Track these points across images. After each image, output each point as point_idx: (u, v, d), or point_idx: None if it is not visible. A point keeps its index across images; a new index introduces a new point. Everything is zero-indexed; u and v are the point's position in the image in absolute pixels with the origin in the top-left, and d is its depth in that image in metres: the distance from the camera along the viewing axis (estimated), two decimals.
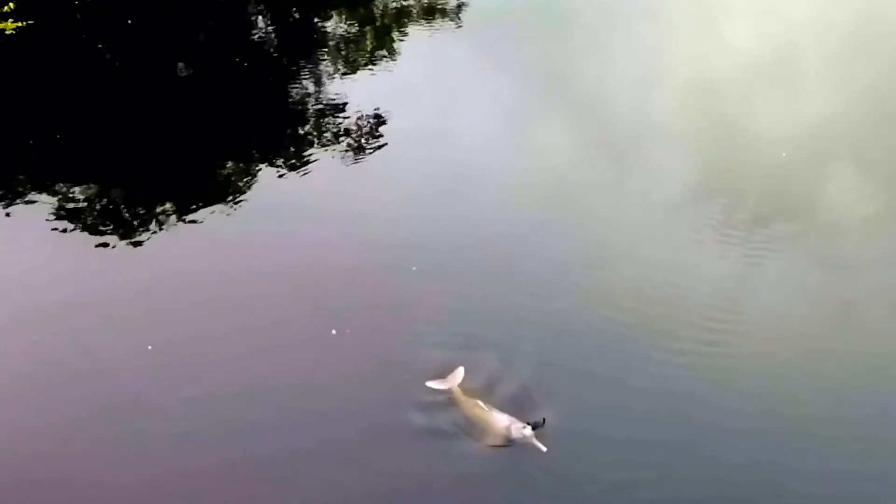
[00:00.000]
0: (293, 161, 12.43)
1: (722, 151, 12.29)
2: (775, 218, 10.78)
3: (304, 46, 16.02)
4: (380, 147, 12.70)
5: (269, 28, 16.89)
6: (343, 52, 15.79)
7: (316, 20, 16.96)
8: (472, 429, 8.35)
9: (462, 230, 10.82)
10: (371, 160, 12.45)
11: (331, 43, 16.00)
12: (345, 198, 11.47)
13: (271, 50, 16.23)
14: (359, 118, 13.40)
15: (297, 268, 10.23)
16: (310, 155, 12.55)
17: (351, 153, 12.60)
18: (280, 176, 12.14)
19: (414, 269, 10.20)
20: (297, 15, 17.55)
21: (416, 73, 14.70)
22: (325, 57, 15.54)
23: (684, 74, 14.31)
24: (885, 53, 14.50)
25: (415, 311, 9.56)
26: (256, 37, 16.51)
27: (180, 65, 15.44)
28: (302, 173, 12.12)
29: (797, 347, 9.14)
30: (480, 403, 8.46)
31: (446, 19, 16.57)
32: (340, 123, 13.32)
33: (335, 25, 16.71)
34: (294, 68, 15.31)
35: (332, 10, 17.18)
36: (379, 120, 13.33)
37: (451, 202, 11.33)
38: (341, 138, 12.96)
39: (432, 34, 16.04)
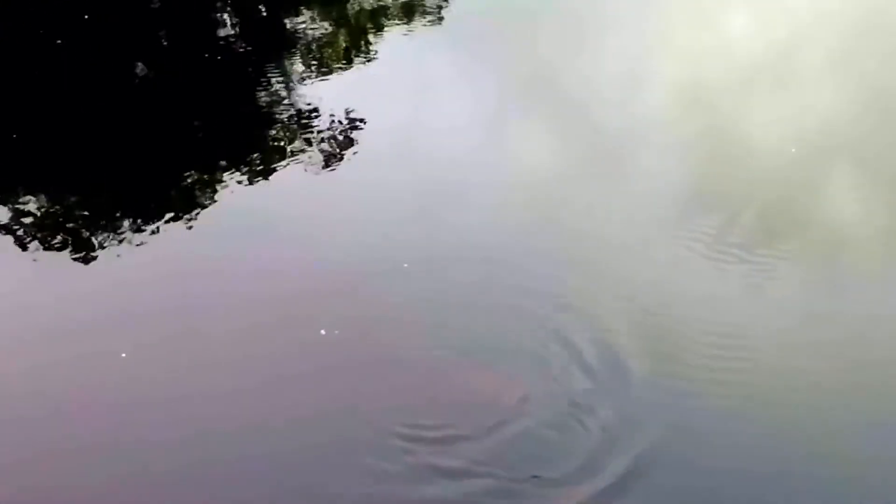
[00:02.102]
0: (260, 173, 11.76)
1: (722, 158, 11.64)
2: (783, 234, 10.07)
3: (273, 47, 15.53)
4: (355, 157, 12.07)
5: (236, 26, 16.45)
6: (316, 54, 15.29)
7: (286, 19, 16.52)
8: None
9: (448, 248, 10.11)
10: (347, 171, 11.80)
11: (302, 43, 15.51)
12: (318, 216, 10.79)
13: (238, 50, 15.75)
14: (332, 126, 12.79)
15: (267, 294, 9.44)
16: (278, 167, 11.85)
17: (324, 164, 11.94)
18: (246, 190, 11.44)
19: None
20: (264, 13, 17.20)
21: (394, 77, 14.20)
22: (296, 58, 15.06)
23: (680, 74, 13.84)
24: None
25: (400, 342, 8.79)
26: (221, 36, 16.07)
27: (139, 65, 15.02)
28: (270, 188, 11.44)
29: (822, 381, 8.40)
30: None
31: (426, 19, 16.12)
32: (312, 132, 12.70)
33: (307, 25, 16.25)
34: (263, 70, 14.69)
35: (304, 7, 16.77)
36: (354, 127, 12.74)
37: (435, 219, 10.62)
38: (313, 148, 12.30)
39: (411, 35, 15.60)
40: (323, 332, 8.86)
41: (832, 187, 10.94)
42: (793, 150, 11.62)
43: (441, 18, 16.15)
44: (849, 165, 11.37)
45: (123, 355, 8.78)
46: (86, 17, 15.73)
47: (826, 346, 8.60)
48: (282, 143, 12.62)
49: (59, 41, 15.34)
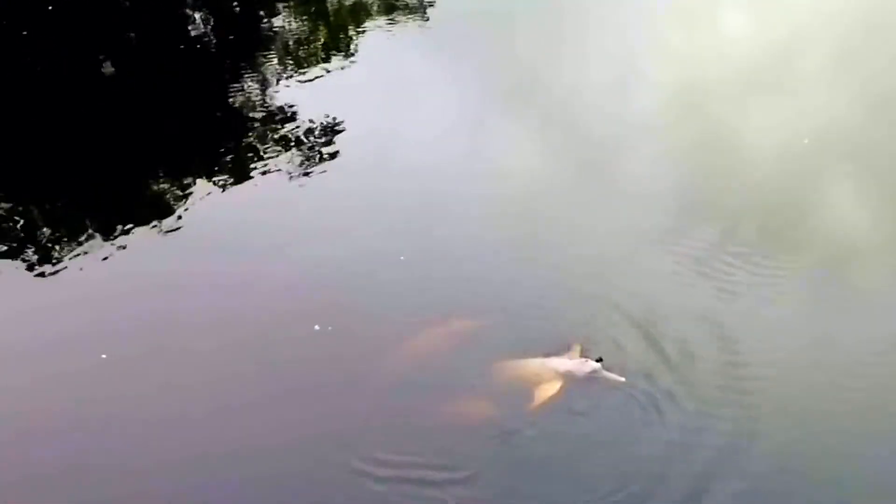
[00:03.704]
0: (232, 183, 11.55)
1: (722, 164, 11.43)
2: (785, 245, 9.84)
3: (248, 46, 15.22)
4: (334, 164, 11.85)
5: (209, 23, 16.16)
6: (293, 54, 15.06)
7: (262, 14, 16.22)
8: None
9: (435, 262, 9.94)
10: (324, 179, 11.57)
11: (279, 42, 15.24)
12: (295, 229, 10.58)
13: (211, 48, 15.47)
14: (310, 131, 12.58)
15: (242, 312, 9.26)
16: (254, 174, 11.65)
17: (300, 172, 11.73)
18: (218, 201, 11.23)
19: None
20: (238, 9, 16.85)
21: (376, 80, 13.94)
22: (273, 59, 14.78)
23: (675, 77, 13.60)
24: None
25: (381, 359, 8.64)
26: (193, 33, 15.79)
27: (106, 62, 14.85)
28: (244, 198, 11.24)
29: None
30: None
31: (409, 18, 15.87)
32: (289, 138, 12.48)
33: (283, 22, 15.98)
34: (237, 71, 14.43)
35: (281, 3, 16.51)
36: (333, 133, 12.54)
37: (419, 230, 10.45)
38: (289, 155, 12.11)
39: (393, 35, 15.30)
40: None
41: (833, 195, 10.76)
42: (805, 140, 11.53)
43: (426, 18, 15.96)
44: (852, 171, 11.18)
45: (104, 356, 8.63)
46: (49, 7, 15.59)
47: (829, 362, 8.40)
48: (257, 150, 12.42)
49: (24, 32, 15.21)
